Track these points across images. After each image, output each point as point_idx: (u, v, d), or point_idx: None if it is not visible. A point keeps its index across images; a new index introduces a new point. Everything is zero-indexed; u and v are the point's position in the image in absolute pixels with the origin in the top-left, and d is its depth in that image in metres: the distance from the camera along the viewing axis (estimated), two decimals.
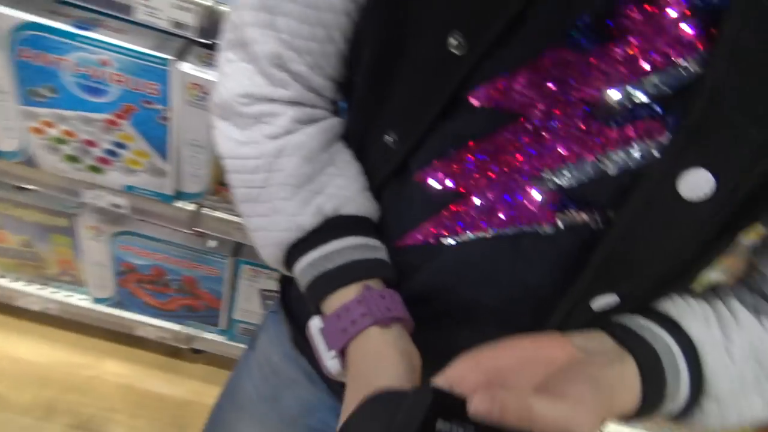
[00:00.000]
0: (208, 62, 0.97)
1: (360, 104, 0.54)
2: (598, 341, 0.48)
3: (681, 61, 0.39)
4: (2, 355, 1.52)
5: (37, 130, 1.06)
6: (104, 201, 1.18)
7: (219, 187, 1.15)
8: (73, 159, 1.10)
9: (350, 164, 0.55)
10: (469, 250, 0.49)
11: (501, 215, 0.47)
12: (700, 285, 0.54)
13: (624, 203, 0.42)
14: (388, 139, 0.50)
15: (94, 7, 0.91)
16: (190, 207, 1.18)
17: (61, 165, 1.12)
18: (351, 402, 0.43)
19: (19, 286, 1.46)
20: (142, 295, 1.43)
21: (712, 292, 0.54)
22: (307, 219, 0.51)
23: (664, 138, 0.41)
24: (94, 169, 1.12)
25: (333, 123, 0.55)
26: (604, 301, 0.48)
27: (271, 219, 0.52)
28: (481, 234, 0.48)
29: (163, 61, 0.94)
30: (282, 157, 0.52)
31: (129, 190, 1.15)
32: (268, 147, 0.52)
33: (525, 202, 0.46)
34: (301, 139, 0.53)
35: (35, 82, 0.99)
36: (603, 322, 0.50)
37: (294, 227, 0.51)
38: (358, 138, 0.55)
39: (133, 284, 1.40)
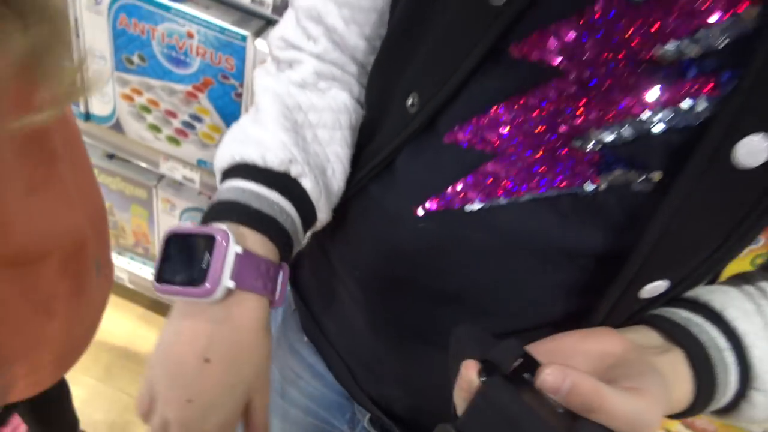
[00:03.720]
0: None
1: (381, 66, 0.53)
2: (644, 335, 0.45)
3: (743, 12, 0.36)
4: None
5: (127, 97, 1.15)
6: (179, 173, 1.25)
7: None
8: (155, 128, 1.18)
9: (345, 159, 0.55)
10: (500, 214, 0.46)
11: (540, 178, 0.44)
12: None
13: (674, 169, 0.39)
14: (411, 101, 0.48)
15: None
16: None
17: (145, 133, 1.19)
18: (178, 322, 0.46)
19: None
20: None
21: (742, 279, 0.49)
22: (276, 158, 0.50)
23: (718, 97, 0.38)
24: (173, 140, 1.19)
25: (352, 86, 0.56)
26: (654, 287, 0.44)
27: (253, 134, 0.51)
28: (513, 198, 0.46)
29: (242, 38, 1.00)
30: (298, 110, 0.53)
31: (201, 164, 1.21)
32: (289, 90, 0.54)
33: (567, 161, 0.43)
34: (317, 92, 0.54)
35: (129, 50, 1.07)
36: (646, 313, 0.47)
37: (259, 154, 0.50)
38: (374, 103, 0.55)
39: None
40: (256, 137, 0.50)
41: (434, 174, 0.49)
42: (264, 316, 0.48)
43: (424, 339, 0.55)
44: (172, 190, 1.34)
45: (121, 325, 1.64)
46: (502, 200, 0.46)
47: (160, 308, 1.66)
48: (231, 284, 0.44)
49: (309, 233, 0.56)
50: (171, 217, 1.38)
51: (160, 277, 0.46)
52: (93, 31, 1.07)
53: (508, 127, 0.44)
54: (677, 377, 0.43)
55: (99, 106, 1.19)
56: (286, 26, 0.55)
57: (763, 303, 0.47)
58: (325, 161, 0.54)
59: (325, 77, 0.55)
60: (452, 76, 0.44)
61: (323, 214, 0.54)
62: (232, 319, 0.46)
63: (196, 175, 1.24)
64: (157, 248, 1.47)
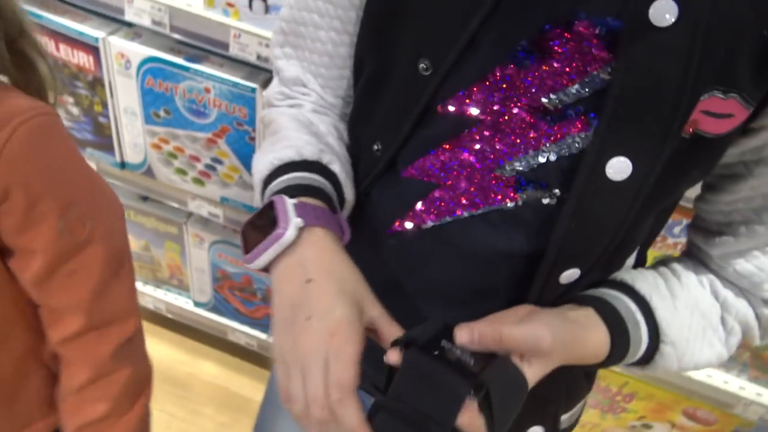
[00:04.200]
0: None
1: (355, 120, 0.67)
2: (564, 307, 0.58)
3: (595, 72, 0.49)
4: None
5: (156, 146, 1.30)
6: (205, 210, 1.40)
7: None
8: (182, 171, 1.33)
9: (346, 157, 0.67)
10: (449, 229, 0.59)
11: (474, 199, 0.57)
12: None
13: (569, 184, 0.52)
14: (376, 147, 0.61)
15: (200, 45, 1.13)
16: None
17: (173, 177, 1.35)
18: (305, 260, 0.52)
19: (138, 286, 1.71)
20: (234, 302, 1.62)
21: (660, 262, 0.63)
22: (309, 150, 0.61)
23: (589, 131, 0.50)
24: (198, 182, 1.34)
25: (340, 125, 0.68)
26: (569, 274, 0.56)
27: (279, 147, 0.61)
28: (454, 217, 0.58)
29: (252, 90, 1.14)
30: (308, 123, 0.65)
31: (223, 201, 1.35)
32: (299, 113, 0.66)
33: (492, 186, 0.56)
34: (319, 117, 0.66)
35: (156, 106, 1.23)
36: (569, 297, 0.59)
37: (296, 151, 0.60)
38: (352, 149, 0.67)
39: (227, 291, 1.60)
40: (287, 143, 0.60)
41: (397, 202, 0.61)
42: (338, 242, 0.54)
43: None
44: (200, 225, 1.49)
45: (160, 351, 1.78)
46: (448, 218, 0.58)
47: (197, 335, 1.80)
48: (298, 220, 0.51)
49: None
50: (201, 250, 1.53)
51: (245, 251, 0.54)
52: (125, 91, 1.23)
53: (446, 164, 0.57)
54: (589, 323, 0.55)
55: (132, 155, 1.35)
56: (277, 85, 0.69)
57: (670, 278, 0.60)
58: (342, 156, 0.65)
59: (322, 112, 0.67)
60: (401, 130, 0.57)
61: (350, 197, 0.63)
62: (313, 246, 0.52)
63: (220, 211, 1.38)
64: (189, 279, 1.62)
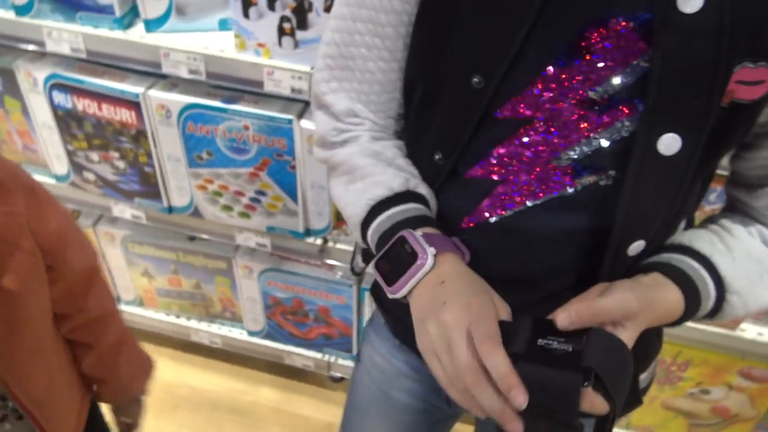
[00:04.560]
0: None
1: (412, 135, 0.72)
2: (634, 277, 0.63)
3: (635, 62, 0.55)
4: (182, 384, 1.84)
5: (201, 187, 1.37)
6: (252, 242, 1.46)
7: (339, 222, 1.38)
8: (227, 208, 1.40)
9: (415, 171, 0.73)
10: (514, 220, 0.64)
11: (535, 190, 0.63)
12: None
13: (624, 166, 0.57)
14: (437, 156, 0.67)
15: (236, 86, 1.20)
16: (319, 242, 1.42)
17: (219, 214, 1.41)
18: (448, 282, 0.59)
19: (192, 323, 1.78)
20: (287, 326, 1.68)
21: (708, 220, 0.69)
22: (397, 183, 0.67)
23: (636, 116, 0.56)
24: (244, 215, 1.40)
25: (400, 143, 0.74)
26: (636, 246, 0.62)
27: (366, 184, 0.68)
28: (519, 208, 0.64)
29: (289, 121, 1.21)
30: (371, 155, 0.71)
31: (270, 230, 1.41)
32: (363, 148, 0.71)
33: (550, 176, 0.62)
34: (381, 143, 0.72)
35: (198, 149, 1.30)
36: (635, 268, 0.64)
37: (386, 187, 0.67)
38: (413, 161, 0.73)
39: (279, 316, 1.66)
40: (372, 181, 0.68)
41: (463, 201, 0.67)
42: (463, 262, 0.63)
43: None
44: (248, 257, 1.55)
45: (221, 384, 1.84)
46: (513, 210, 0.64)
47: (254, 364, 1.86)
48: (432, 249, 0.60)
49: None
50: (250, 280, 1.59)
51: (389, 283, 0.62)
52: (167, 140, 1.30)
53: (506, 161, 0.63)
54: (662, 285, 0.61)
55: (178, 198, 1.42)
56: (329, 121, 0.73)
57: (722, 234, 0.66)
58: (414, 173, 0.71)
59: (378, 137, 0.73)
60: (461, 138, 0.63)
61: (434, 210, 0.70)
62: (447, 263, 0.61)
63: (267, 240, 1.45)
64: (242, 310, 1.68)
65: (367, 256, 0.85)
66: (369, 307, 1.55)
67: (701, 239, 0.65)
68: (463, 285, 0.58)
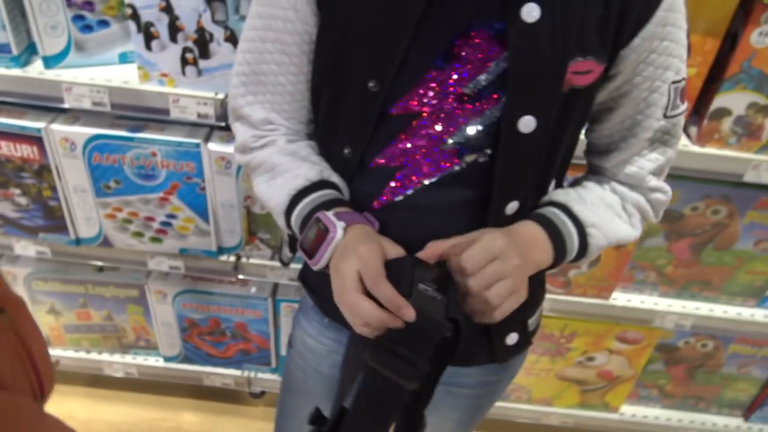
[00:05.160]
0: (228, 140, 1.29)
1: (323, 135, 0.83)
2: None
3: (495, 63, 0.70)
4: (96, 419, 1.81)
5: (110, 216, 1.40)
6: (165, 265, 1.50)
7: (251, 237, 1.45)
8: (138, 234, 1.43)
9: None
10: (416, 197, 0.77)
11: (430, 169, 0.75)
12: None
13: (496, 144, 0.72)
14: (346, 151, 0.78)
15: (142, 115, 1.25)
16: (232, 258, 1.48)
17: (130, 241, 1.44)
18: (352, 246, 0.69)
19: (104, 357, 1.77)
20: (204, 347, 1.71)
21: (571, 183, 0.86)
22: (312, 174, 0.78)
23: (500, 105, 0.71)
24: (155, 240, 1.44)
25: (312, 143, 0.85)
26: (512, 206, 0.76)
27: (287, 178, 0.79)
28: (418, 187, 0.76)
29: (196, 145, 1.27)
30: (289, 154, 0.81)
31: (183, 252, 1.46)
32: (280, 148, 0.82)
33: (440, 157, 0.74)
34: (296, 144, 0.82)
35: (105, 178, 1.33)
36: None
37: (303, 179, 0.78)
38: (325, 157, 0.84)
39: (196, 338, 1.69)
40: (291, 175, 0.78)
41: (372, 187, 0.78)
42: (372, 230, 0.74)
43: None
44: (160, 281, 1.58)
45: (140, 415, 1.83)
46: (413, 190, 0.77)
47: (174, 390, 1.87)
48: (342, 223, 0.71)
49: None
50: (165, 305, 1.61)
51: (310, 257, 0.73)
52: (72, 173, 1.32)
53: (403, 149, 0.75)
54: (527, 227, 0.77)
55: (86, 229, 1.43)
56: (248, 130, 0.83)
57: (578, 188, 0.83)
58: (326, 166, 0.81)
59: (293, 139, 0.83)
60: (365, 134, 0.75)
61: (347, 195, 0.80)
62: (354, 232, 0.71)
63: (180, 263, 1.49)
64: (156, 337, 1.70)
65: (293, 245, 0.95)
66: (285, 318, 1.62)
67: (558, 194, 0.81)
68: (356, 240, 0.69)
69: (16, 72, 1.21)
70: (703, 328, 1.56)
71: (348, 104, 0.76)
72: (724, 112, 1.17)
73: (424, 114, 0.73)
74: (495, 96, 0.71)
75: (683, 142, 1.22)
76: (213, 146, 1.28)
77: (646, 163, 0.81)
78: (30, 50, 1.23)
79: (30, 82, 1.21)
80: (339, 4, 0.72)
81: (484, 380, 0.95)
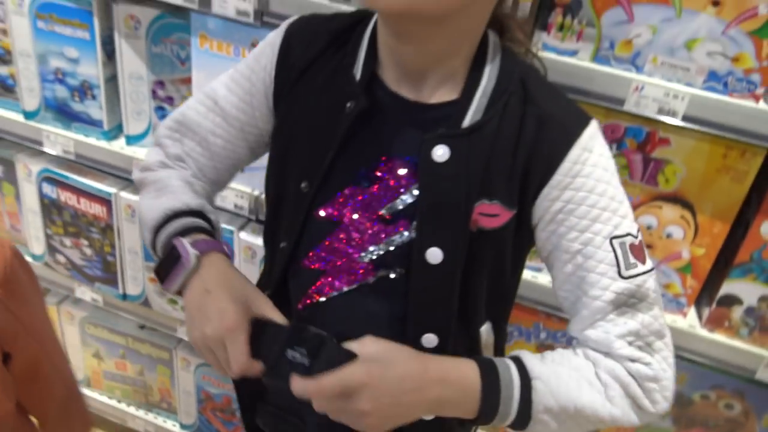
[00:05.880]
0: (258, 232, 1.42)
1: (267, 229, 0.89)
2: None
3: (408, 191, 0.75)
4: None
5: (153, 280, 1.55)
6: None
7: None
8: (173, 301, 1.57)
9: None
10: (336, 301, 0.81)
11: (349, 278, 0.80)
12: None
13: (407, 266, 0.75)
14: (283, 245, 0.83)
15: None
16: None
17: (166, 306, 1.58)
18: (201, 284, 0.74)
19: (130, 410, 1.89)
20: (215, 423, 1.78)
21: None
22: (195, 203, 0.82)
23: (410, 230, 0.75)
24: None
25: (213, 194, 0.91)
26: (428, 338, 0.77)
27: (170, 198, 0.81)
28: (339, 292, 0.80)
29: (230, 232, 1.41)
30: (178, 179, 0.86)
31: None
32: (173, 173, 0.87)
33: (357, 268, 0.79)
34: (196, 181, 0.87)
35: None
36: None
37: (183, 203, 0.81)
38: (267, 251, 0.90)
39: (209, 412, 1.77)
40: (175, 198, 0.82)
41: (301, 287, 0.83)
42: (228, 260, 0.77)
43: None
44: (187, 350, 1.70)
45: None
46: (333, 293, 0.81)
47: None
48: (194, 251, 0.74)
49: None
50: (187, 372, 1.72)
51: (162, 282, 0.76)
52: (129, 235, 1.51)
53: (325, 256, 0.80)
54: (450, 363, 0.74)
55: (132, 287, 1.60)
56: (159, 156, 0.87)
57: (546, 352, 0.77)
58: (216, 213, 0.86)
59: (197, 177, 0.87)
60: (295, 231, 0.80)
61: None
62: (210, 266, 0.75)
63: None
64: (177, 402, 1.80)
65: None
66: None
67: (518, 351, 0.77)
68: (225, 298, 0.71)
69: (103, 144, 1.43)
70: None
71: (287, 202, 0.83)
72: (734, 300, 1.11)
73: (345, 223, 0.78)
74: (408, 222, 0.75)
75: (690, 323, 1.16)
76: (244, 236, 1.41)
77: (612, 327, 0.73)
78: (118, 128, 1.45)
79: (112, 154, 1.42)
80: (290, 109, 0.81)
81: None
